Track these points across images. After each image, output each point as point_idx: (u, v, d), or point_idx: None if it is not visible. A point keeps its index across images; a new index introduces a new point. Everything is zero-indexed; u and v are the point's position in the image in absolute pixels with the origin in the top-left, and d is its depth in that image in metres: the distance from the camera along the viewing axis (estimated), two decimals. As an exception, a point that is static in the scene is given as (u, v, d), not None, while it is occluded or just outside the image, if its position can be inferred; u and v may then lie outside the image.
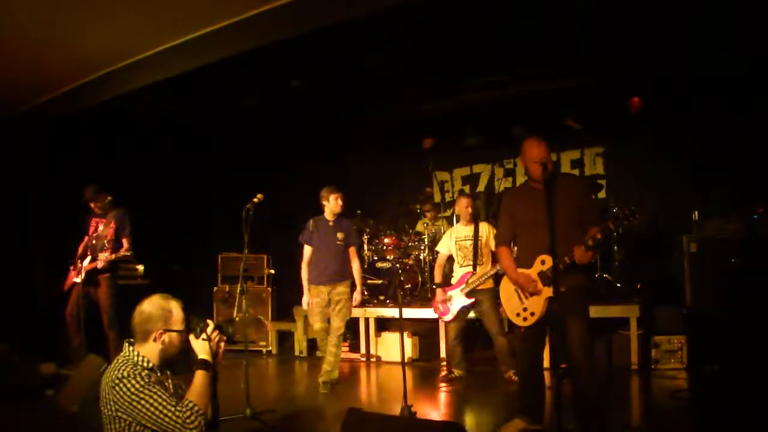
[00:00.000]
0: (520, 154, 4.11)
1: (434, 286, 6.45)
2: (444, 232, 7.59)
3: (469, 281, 6.01)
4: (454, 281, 6.21)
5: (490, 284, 5.98)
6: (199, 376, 2.67)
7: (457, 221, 7.98)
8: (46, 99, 6.68)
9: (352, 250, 6.16)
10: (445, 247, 6.39)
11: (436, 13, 5.67)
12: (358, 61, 6.84)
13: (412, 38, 6.24)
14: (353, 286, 6.12)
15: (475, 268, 6.04)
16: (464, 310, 6.11)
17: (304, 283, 6.06)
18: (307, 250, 6.08)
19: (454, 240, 6.27)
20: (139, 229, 6.48)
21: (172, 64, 5.82)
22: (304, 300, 6.04)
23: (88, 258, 6.20)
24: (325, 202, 6.06)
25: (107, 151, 7.34)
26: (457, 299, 6.09)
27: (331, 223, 6.08)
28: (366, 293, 7.73)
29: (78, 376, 5.09)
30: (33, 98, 6.73)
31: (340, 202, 6.06)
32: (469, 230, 6.17)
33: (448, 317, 6.16)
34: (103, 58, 5.85)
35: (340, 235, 6.04)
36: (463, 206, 6.24)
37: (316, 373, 6.03)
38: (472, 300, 6.01)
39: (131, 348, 2.71)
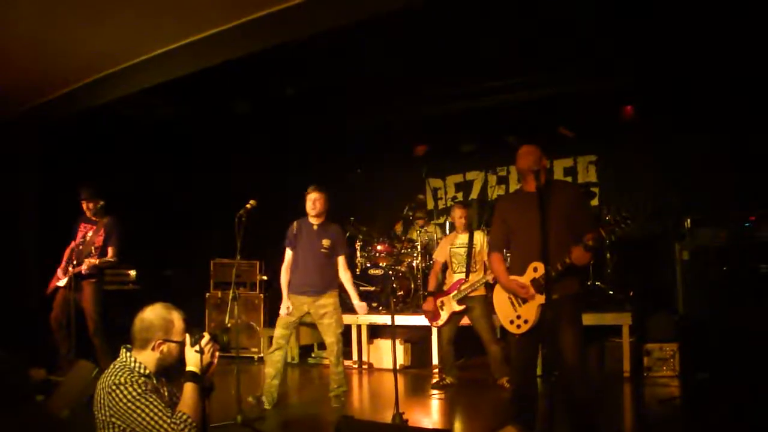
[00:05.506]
0: (516, 162, 4.10)
1: (426, 294, 6.44)
2: (436, 239, 7.62)
3: (461, 288, 6.03)
4: (446, 288, 6.22)
5: (481, 291, 6.00)
6: (188, 388, 2.67)
7: (451, 229, 7.99)
8: (45, 100, 6.67)
9: (341, 261, 5.55)
10: (441, 254, 6.40)
11: (432, 19, 5.69)
12: (352, 66, 6.84)
13: (407, 44, 6.24)
14: (342, 297, 5.62)
15: (467, 276, 6.05)
16: (456, 316, 6.13)
17: (283, 289, 5.56)
18: (288, 255, 5.58)
19: (449, 247, 6.29)
20: (131, 235, 6.42)
21: (172, 66, 5.82)
22: (283, 307, 5.48)
23: (74, 263, 6.15)
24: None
25: (101, 154, 7.30)
26: (449, 305, 6.11)
27: (315, 227, 5.49)
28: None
29: (68, 381, 5.03)
30: (33, 99, 6.71)
31: (313, 204, 5.43)
32: (464, 238, 6.19)
33: (440, 321, 6.17)
34: (103, 60, 5.85)
35: (325, 242, 5.44)
36: (456, 216, 6.27)
37: (308, 379, 5.99)
38: (463, 307, 6.03)
39: (128, 354, 2.70)
